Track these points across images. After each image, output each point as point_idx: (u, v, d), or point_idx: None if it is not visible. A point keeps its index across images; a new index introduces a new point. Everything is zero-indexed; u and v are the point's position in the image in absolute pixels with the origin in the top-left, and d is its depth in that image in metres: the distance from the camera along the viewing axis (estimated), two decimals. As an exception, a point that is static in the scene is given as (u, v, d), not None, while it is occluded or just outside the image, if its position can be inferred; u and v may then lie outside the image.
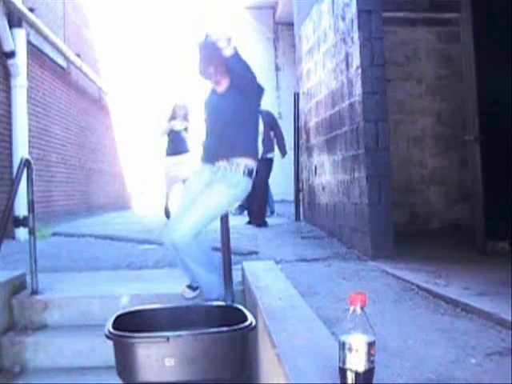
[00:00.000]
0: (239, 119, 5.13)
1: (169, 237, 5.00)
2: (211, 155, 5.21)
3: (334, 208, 8.66)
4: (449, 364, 3.19)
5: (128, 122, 21.12)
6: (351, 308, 2.58)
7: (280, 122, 13.27)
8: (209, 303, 4.88)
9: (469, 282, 5.25)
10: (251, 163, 5.13)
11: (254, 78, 5.32)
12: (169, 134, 11.57)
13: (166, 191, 11.90)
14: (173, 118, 11.65)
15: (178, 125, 11.51)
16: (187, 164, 11.32)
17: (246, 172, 5.05)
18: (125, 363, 3.91)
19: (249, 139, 5.25)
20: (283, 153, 11.58)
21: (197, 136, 11.39)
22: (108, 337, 3.89)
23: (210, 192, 5.04)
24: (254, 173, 5.16)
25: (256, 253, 7.43)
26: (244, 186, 5.09)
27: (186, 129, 11.64)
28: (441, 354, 3.36)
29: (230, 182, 5.01)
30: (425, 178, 9.87)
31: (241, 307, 4.37)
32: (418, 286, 5.26)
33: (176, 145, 11.56)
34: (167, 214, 11.19)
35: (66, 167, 13.46)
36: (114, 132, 19.47)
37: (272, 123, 11.29)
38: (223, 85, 5.33)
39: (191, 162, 11.24)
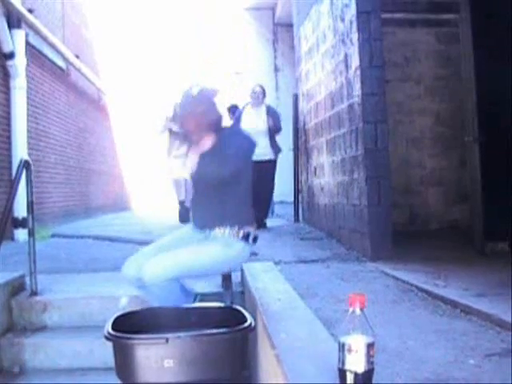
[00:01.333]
0: (228, 182, 4.55)
1: (137, 268, 4.56)
2: (200, 223, 4.75)
3: (333, 209, 8.66)
4: (448, 365, 3.20)
5: (127, 123, 21.11)
6: (350, 309, 2.59)
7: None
8: (208, 304, 4.84)
9: (468, 282, 5.25)
10: (247, 228, 4.62)
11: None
12: (170, 136, 11.16)
13: (176, 193, 11.50)
14: (173, 117, 11.17)
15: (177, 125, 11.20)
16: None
17: (242, 236, 4.56)
18: (124, 364, 3.90)
19: (241, 203, 4.74)
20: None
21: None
22: (107, 338, 3.88)
23: (203, 243, 4.61)
24: (252, 238, 4.63)
25: (255, 254, 7.41)
26: (239, 249, 4.58)
27: None
28: (440, 355, 3.37)
29: (225, 242, 4.53)
30: (424, 178, 9.86)
31: (240, 308, 4.37)
32: (416, 287, 5.26)
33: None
34: (182, 217, 10.81)
35: (64, 168, 13.46)
36: (113, 133, 19.46)
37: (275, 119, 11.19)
38: (206, 143, 4.75)
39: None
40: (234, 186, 4.60)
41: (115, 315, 4.22)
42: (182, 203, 11.13)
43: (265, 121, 10.39)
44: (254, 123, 10.07)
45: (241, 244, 4.57)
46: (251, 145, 4.85)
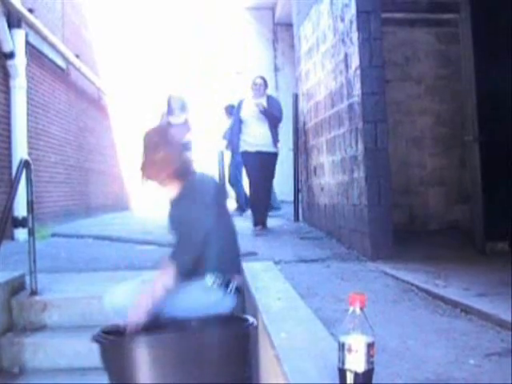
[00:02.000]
0: (196, 230, 4.19)
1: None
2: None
3: (333, 209, 8.66)
4: (448, 364, 3.19)
5: (127, 122, 21.11)
6: (351, 308, 2.59)
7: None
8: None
9: (468, 282, 5.25)
10: (229, 277, 4.34)
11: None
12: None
13: None
14: (169, 111, 11.20)
15: (175, 118, 10.99)
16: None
17: (222, 284, 4.29)
18: (121, 366, 3.90)
19: (222, 250, 4.34)
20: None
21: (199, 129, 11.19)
22: (98, 340, 3.88)
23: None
24: (233, 288, 4.33)
25: (255, 253, 7.42)
26: (218, 297, 4.28)
27: (185, 121, 11.15)
28: (440, 355, 3.37)
29: (204, 287, 4.25)
30: (424, 178, 9.85)
31: (241, 315, 4.36)
32: (417, 287, 5.26)
33: None
34: None
35: (64, 168, 13.45)
36: (113, 133, 19.46)
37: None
38: (172, 191, 4.50)
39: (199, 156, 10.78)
40: (211, 232, 4.19)
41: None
42: None
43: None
44: (252, 111, 9.96)
45: (220, 293, 4.28)
46: (211, 191, 4.38)
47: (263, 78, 10.46)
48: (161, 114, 11.27)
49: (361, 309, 2.58)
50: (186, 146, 10.04)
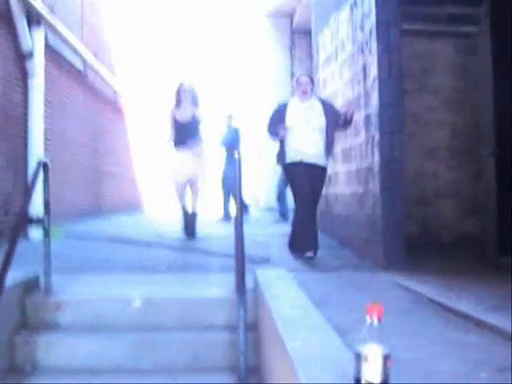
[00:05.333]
0: None
1: None
2: None
3: (347, 218, 8.67)
4: (459, 377, 3.22)
5: (142, 125, 21.20)
6: (368, 319, 2.60)
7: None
8: None
9: (480, 296, 5.26)
10: None
11: None
12: (175, 125, 9.77)
13: (176, 193, 10.03)
14: (177, 103, 9.85)
15: (182, 113, 9.74)
16: (205, 158, 10.03)
17: None
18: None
19: None
20: None
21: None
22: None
23: None
24: None
25: (268, 260, 7.45)
26: None
27: (194, 116, 9.75)
28: (451, 367, 3.39)
29: None
30: (438, 190, 9.85)
31: None
32: (429, 299, 5.28)
33: (184, 136, 9.61)
34: (187, 229, 9.79)
35: (79, 169, 13.50)
36: (127, 135, 19.53)
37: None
38: None
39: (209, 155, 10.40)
40: None
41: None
42: (185, 211, 9.93)
43: (322, 116, 7.98)
44: (307, 119, 7.99)
45: None
46: None
47: (309, 76, 8.62)
48: (170, 109, 9.95)
49: (378, 319, 2.59)
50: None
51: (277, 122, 8.02)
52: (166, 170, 11.16)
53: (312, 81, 8.39)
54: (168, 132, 9.99)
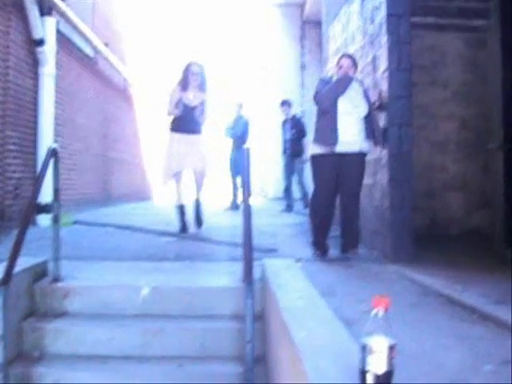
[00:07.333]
0: None
1: None
2: None
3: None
4: (464, 369, 3.24)
5: (151, 113, 21.21)
6: (374, 310, 2.62)
7: (304, 121, 13.69)
8: None
9: (487, 289, 5.27)
10: None
11: None
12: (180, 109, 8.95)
13: (175, 193, 9.37)
14: (184, 85, 9.03)
15: (191, 98, 8.99)
16: (206, 149, 9.24)
17: None
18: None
19: None
20: None
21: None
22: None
23: None
24: None
25: (275, 250, 7.46)
26: None
27: (202, 103, 9.02)
28: (457, 359, 3.40)
29: None
30: (446, 183, 9.85)
31: None
32: (436, 291, 5.29)
33: (189, 121, 8.95)
34: (183, 228, 9.21)
35: (88, 156, 13.54)
36: (137, 123, 19.56)
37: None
38: None
39: (211, 147, 9.76)
40: None
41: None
42: (181, 209, 9.27)
43: (362, 101, 7.09)
44: (352, 104, 7.10)
45: None
46: None
47: (352, 58, 7.35)
48: (176, 87, 9.09)
49: (384, 311, 2.61)
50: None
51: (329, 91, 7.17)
52: (161, 155, 9.94)
53: (355, 63, 7.28)
54: (169, 109, 9.06)
